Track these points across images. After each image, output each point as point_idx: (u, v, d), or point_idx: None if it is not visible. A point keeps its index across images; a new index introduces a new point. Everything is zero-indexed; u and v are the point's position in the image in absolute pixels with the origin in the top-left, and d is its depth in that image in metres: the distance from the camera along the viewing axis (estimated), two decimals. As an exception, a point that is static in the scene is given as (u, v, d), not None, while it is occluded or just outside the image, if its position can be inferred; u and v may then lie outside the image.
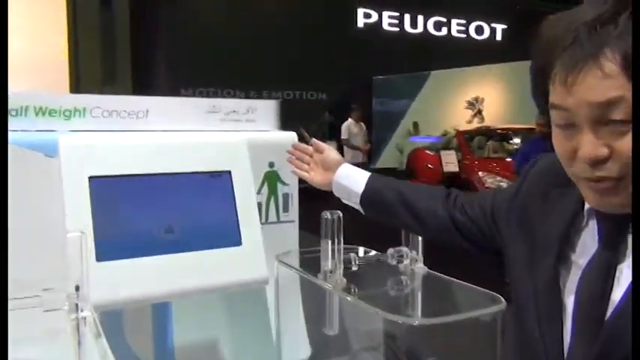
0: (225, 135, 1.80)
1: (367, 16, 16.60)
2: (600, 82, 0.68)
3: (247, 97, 15.13)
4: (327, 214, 1.34)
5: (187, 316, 1.84)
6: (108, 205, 1.50)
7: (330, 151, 1.41)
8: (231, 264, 1.61)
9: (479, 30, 17.99)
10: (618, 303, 0.73)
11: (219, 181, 1.68)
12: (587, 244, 0.80)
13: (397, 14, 16.84)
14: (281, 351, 1.75)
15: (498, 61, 13.51)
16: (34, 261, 1.38)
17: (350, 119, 8.69)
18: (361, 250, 1.49)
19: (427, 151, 8.74)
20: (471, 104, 14.65)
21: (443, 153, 7.54)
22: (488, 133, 8.92)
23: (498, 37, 18.32)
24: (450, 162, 7.13)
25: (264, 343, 1.82)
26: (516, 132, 9.22)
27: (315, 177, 1.40)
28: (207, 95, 14.35)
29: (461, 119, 13.49)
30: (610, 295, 0.75)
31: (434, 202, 1.12)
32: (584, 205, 0.81)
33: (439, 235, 1.13)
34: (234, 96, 15.04)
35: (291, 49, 14.58)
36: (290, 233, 1.98)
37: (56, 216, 1.48)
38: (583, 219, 0.81)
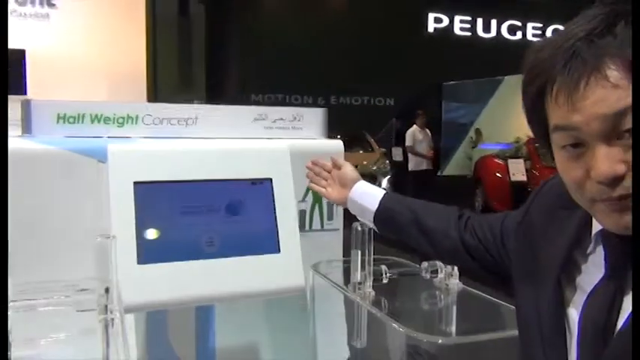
0: (267, 142, 1.83)
1: (438, 20, 16.35)
2: (609, 93, 0.65)
3: (315, 102, 15.29)
4: (357, 226, 1.33)
5: (230, 319, 1.88)
6: (151, 209, 1.56)
7: (347, 167, 1.41)
8: (269, 271, 1.63)
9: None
10: (620, 329, 0.69)
11: (260, 189, 1.70)
12: (593, 269, 0.75)
13: (469, 18, 16.49)
14: (317, 358, 1.74)
15: (576, 65, 12.94)
16: (81, 262, 1.45)
17: (415, 126, 8.58)
18: (395, 263, 1.47)
19: (495, 159, 8.45)
20: (546, 110, 14.11)
21: (510, 162, 7.26)
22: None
23: (577, 40, 17.53)
24: (518, 171, 6.86)
25: (303, 350, 1.82)
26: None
27: (332, 193, 1.42)
28: (277, 100, 14.63)
29: (535, 126, 13.04)
30: (615, 325, 0.70)
31: (446, 223, 1.09)
32: (591, 228, 0.76)
33: (450, 256, 1.11)
34: (301, 102, 15.25)
35: (360, 55, 14.59)
36: (334, 241, 1.98)
37: (105, 219, 1.56)
38: (590, 243, 0.77)
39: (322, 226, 1.98)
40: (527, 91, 0.74)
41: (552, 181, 0.89)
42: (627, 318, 0.69)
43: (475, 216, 1.09)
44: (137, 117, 1.82)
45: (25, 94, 11.31)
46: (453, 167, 14.57)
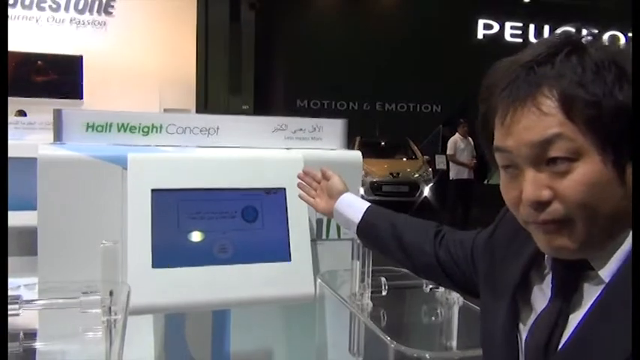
0: (283, 152, 1.87)
1: (488, 27, 16.08)
2: (538, 121, 0.67)
3: (360, 109, 15.30)
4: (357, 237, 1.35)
5: (246, 324, 1.93)
6: (167, 216, 1.63)
7: (335, 178, 1.41)
8: (279, 279, 1.67)
9: (613, 39, 16.73)
10: (559, 349, 0.69)
11: (274, 198, 1.75)
12: (547, 290, 0.75)
13: (521, 24, 16.14)
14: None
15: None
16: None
17: (457, 134, 8.48)
18: (398, 274, 1.48)
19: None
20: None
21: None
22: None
23: (636, 47, 16.90)
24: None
25: (311, 358, 1.85)
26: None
27: (320, 203, 1.42)
28: (322, 106, 14.72)
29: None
30: (557, 346, 0.70)
31: (423, 239, 1.09)
32: (545, 257, 0.77)
33: (425, 272, 1.11)
34: (347, 107, 15.29)
35: (408, 61, 14.51)
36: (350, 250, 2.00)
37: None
38: (546, 266, 0.77)
39: (339, 235, 2.00)
40: (480, 109, 0.76)
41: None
42: (567, 339, 0.70)
43: (451, 232, 1.10)
44: (161, 126, 1.90)
45: (82, 98, 11.85)
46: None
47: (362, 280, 1.37)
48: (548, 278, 0.76)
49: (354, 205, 1.29)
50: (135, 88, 11.58)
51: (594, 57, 0.68)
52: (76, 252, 1.70)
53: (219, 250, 1.65)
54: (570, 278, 0.72)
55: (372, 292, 1.39)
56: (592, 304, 0.69)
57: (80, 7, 12.12)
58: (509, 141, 0.70)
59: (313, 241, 1.93)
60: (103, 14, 12.39)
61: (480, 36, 16.01)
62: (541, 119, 0.67)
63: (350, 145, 9.22)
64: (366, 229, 1.24)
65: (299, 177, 1.51)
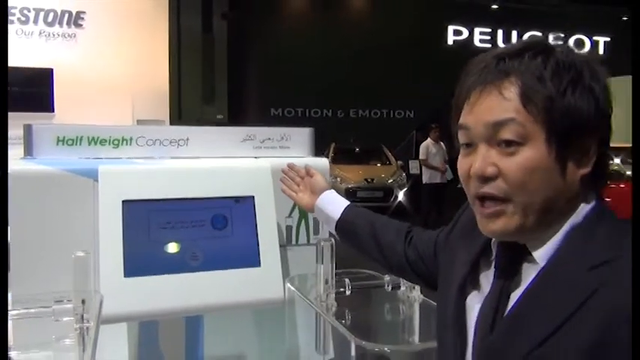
0: (251, 161, 1.93)
1: (458, 33, 16.38)
2: (498, 104, 0.76)
3: (335, 115, 15.41)
4: (321, 241, 1.41)
5: (218, 330, 1.97)
6: (138, 225, 1.67)
7: (318, 176, 1.47)
8: (249, 284, 1.72)
9: (579, 43, 17.16)
10: (503, 317, 0.78)
11: (243, 206, 1.81)
12: (491, 274, 0.84)
13: (489, 30, 16.48)
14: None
15: (599, 76, 12.79)
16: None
17: (429, 139, 8.64)
18: (361, 275, 1.55)
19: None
20: (569, 121, 13.90)
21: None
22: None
23: (601, 50, 17.37)
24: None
25: (286, 358, 1.91)
26: (616, 150, 8.69)
27: (303, 198, 1.47)
28: (296, 114, 14.79)
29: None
30: (502, 317, 0.78)
31: (396, 238, 1.16)
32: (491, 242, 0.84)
33: (398, 270, 1.18)
34: (321, 115, 15.40)
35: (380, 68, 14.68)
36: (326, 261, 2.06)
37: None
38: (493, 252, 0.85)
39: (308, 240, 2.07)
40: (456, 94, 0.84)
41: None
42: (509, 310, 0.78)
43: (420, 232, 1.17)
44: (131, 139, 1.94)
45: (53, 111, 11.71)
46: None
47: (326, 282, 1.44)
48: (494, 263, 0.84)
49: (334, 203, 1.35)
50: (107, 99, 11.47)
51: (558, 60, 0.76)
52: (49, 264, 1.73)
53: (190, 258, 1.69)
54: (511, 261, 0.81)
55: (336, 293, 1.45)
56: (529, 284, 0.77)
57: (49, 19, 11.98)
58: (470, 118, 0.79)
59: (283, 246, 1.99)
60: (73, 26, 12.27)
61: (450, 42, 16.30)
62: (501, 103, 0.76)
63: (324, 152, 9.30)
64: (344, 226, 1.30)
65: (283, 171, 1.56)
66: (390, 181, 10.32)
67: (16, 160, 1.82)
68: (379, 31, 15.05)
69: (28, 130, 1.88)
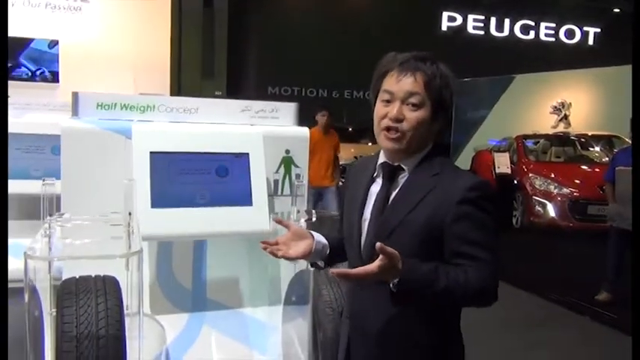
0: (248, 128, 2.49)
1: (452, 19, 16.82)
2: (412, 83, 1.33)
3: (330, 95, 15.92)
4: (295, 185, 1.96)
5: (218, 258, 2.55)
6: (162, 171, 2.23)
7: (294, 225, 1.55)
8: (244, 218, 2.29)
9: (569, 34, 17.63)
10: (387, 207, 1.35)
11: (240, 160, 2.36)
12: (378, 185, 1.40)
13: (483, 17, 16.92)
14: (280, 290, 2.40)
15: (589, 66, 13.24)
16: (113, 205, 2.12)
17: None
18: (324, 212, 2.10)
19: (488, 153, 9.03)
20: (557, 109, 14.40)
21: (496, 155, 7.78)
22: (551, 138, 9.04)
23: (590, 41, 17.85)
24: (502, 164, 7.39)
25: (272, 283, 2.48)
26: (597, 138, 9.23)
27: (296, 251, 1.49)
28: (292, 93, 15.27)
29: (546, 124, 13.38)
30: (384, 209, 1.36)
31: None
32: (377, 167, 1.41)
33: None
34: (316, 95, 15.91)
35: (375, 51, 15.09)
36: (299, 203, 2.62)
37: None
38: (377, 172, 1.42)
39: (291, 192, 2.63)
40: (380, 69, 1.37)
41: (357, 162, 1.56)
42: (391, 199, 1.35)
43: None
44: (154, 106, 2.49)
45: (58, 82, 12.16)
46: (460, 161, 15.06)
47: (298, 212, 1.99)
48: (379, 181, 1.39)
49: (321, 239, 1.52)
50: (110, 72, 11.83)
51: (441, 70, 1.33)
52: (92, 201, 2.28)
53: (199, 197, 2.26)
54: (390, 175, 1.38)
55: (306, 220, 2.01)
56: (401, 185, 1.36)
57: (55, -9, 12.36)
58: (395, 87, 1.33)
59: (271, 196, 2.55)
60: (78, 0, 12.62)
61: (444, 28, 16.75)
62: (414, 83, 1.32)
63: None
64: (334, 247, 1.54)
65: (263, 249, 1.48)
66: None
67: (67, 119, 2.37)
68: (376, 15, 15.48)
69: (75, 96, 2.42)
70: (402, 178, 1.37)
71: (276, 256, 1.46)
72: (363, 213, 1.41)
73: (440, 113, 1.34)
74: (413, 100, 1.31)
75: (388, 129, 1.34)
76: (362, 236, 1.40)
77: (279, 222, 1.53)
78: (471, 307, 1.32)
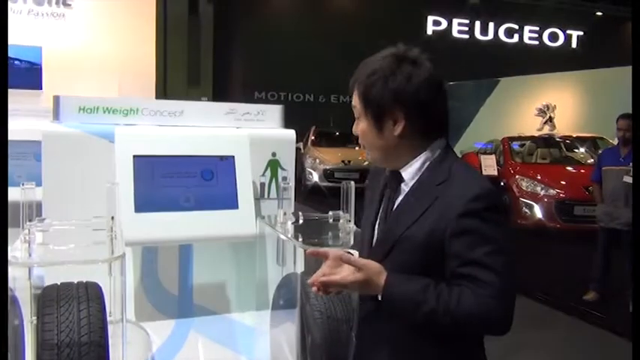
0: (233, 130, 2.46)
1: (437, 23, 16.91)
2: (354, 97, 1.27)
3: (317, 101, 15.91)
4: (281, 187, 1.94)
5: (204, 263, 2.51)
6: (146, 175, 2.19)
7: (331, 251, 1.31)
8: (229, 222, 2.26)
9: (553, 37, 17.78)
10: (391, 214, 1.29)
11: (226, 163, 2.33)
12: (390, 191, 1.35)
13: (467, 21, 17.03)
14: (268, 294, 2.37)
15: (573, 69, 13.37)
16: (95, 210, 2.08)
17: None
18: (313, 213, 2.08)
19: (474, 155, 9.06)
20: (542, 112, 14.51)
21: (483, 157, 7.80)
22: (537, 140, 9.10)
23: (574, 44, 18.02)
24: (489, 165, 7.40)
25: (259, 287, 2.45)
26: (582, 140, 9.32)
27: (345, 279, 1.21)
28: (279, 98, 15.25)
29: (531, 126, 13.48)
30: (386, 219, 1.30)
31: None
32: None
33: None
34: (303, 100, 15.90)
35: (361, 56, 15.12)
36: (286, 206, 2.59)
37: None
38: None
39: (277, 195, 2.60)
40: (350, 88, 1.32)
41: (372, 169, 1.49)
42: (394, 209, 1.28)
43: None
44: (138, 109, 2.45)
45: (41, 88, 12.04)
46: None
47: (285, 214, 1.96)
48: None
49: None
50: (94, 79, 11.74)
51: (373, 67, 1.24)
52: (74, 206, 2.24)
53: (184, 200, 2.22)
54: (395, 183, 1.30)
55: (292, 223, 1.98)
56: (404, 195, 1.27)
57: (38, -2, 12.25)
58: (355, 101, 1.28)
59: (257, 199, 2.52)
60: (62, 6, 12.51)
61: (429, 32, 16.82)
62: (355, 97, 1.27)
63: (306, 135, 9.65)
64: None
65: (316, 291, 1.23)
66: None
67: (48, 123, 2.33)
68: (361, 19, 15.51)
69: (56, 100, 2.37)
70: (405, 187, 1.28)
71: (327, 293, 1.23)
72: (377, 218, 1.35)
73: (382, 117, 1.22)
74: (355, 113, 1.27)
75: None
76: (373, 244, 1.34)
77: (316, 254, 1.26)
78: (477, 334, 1.22)
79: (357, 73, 1.28)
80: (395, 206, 1.29)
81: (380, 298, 1.16)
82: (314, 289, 1.18)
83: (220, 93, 14.66)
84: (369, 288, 1.16)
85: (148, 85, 13.25)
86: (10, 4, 12.11)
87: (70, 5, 12.43)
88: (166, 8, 14.27)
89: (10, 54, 11.39)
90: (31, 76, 11.81)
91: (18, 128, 4.44)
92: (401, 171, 1.29)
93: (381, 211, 1.34)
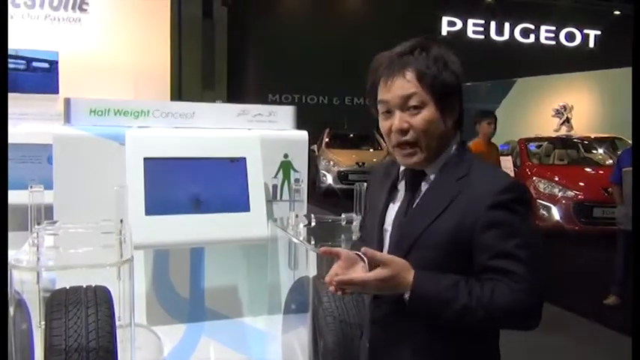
0: (244, 132, 2.42)
1: (451, 24, 16.78)
2: (404, 84, 1.19)
3: (330, 102, 15.88)
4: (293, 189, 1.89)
5: (216, 266, 2.48)
6: (156, 177, 2.17)
7: (343, 251, 1.24)
8: (241, 224, 2.22)
9: (570, 36, 17.56)
10: (409, 216, 1.22)
11: (237, 165, 2.30)
12: (401, 193, 1.28)
13: (482, 22, 16.88)
14: (280, 298, 2.33)
15: (590, 68, 13.17)
16: (106, 212, 2.06)
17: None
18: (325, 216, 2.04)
19: (491, 157, 8.93)
20: (559, 112, 14.33)
21: (502, 158, 7.69)
22: (554, 141, 8.95)
23: (591, 43, 17.78)
24: (507, 167, 7.28)
25: (272, 291, 2.41)
26: (600, 141, 9.15)
27: (360, 271, 1.15)
28: (293, 100, 15.24)
29: (548, 127, 13.31)
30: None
31: None
32: (399, 174, 1.30)
33: None
34: (317, 102, 15.87)
35: (374, 57, 15.06)
36: (298, 208, 2.56)
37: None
38: (400, 178, 1.29)
39: (290, 197, 2.56)
40: (369, 81, 1.25)
41: (381, 164, 1.43)
42: (415, 205, 1.21)
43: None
44: (149, 111, 2.43)
45: (57, 92, 12.16)
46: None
47: (297, 216, 1.92)
48: (401, 186, 1.28)
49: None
50: (110, 83, 11.83)
51: (433, 53, 1.19)
52: (85, 209, 2.22)
53: (195, 203, 2.19)
54: (414, 180, 1.24)
55: (304, 225, 1.94)
56: (425, 190, 1.22)
57: (55, 4, 12.35)
58: (388, 95, 1.18)
59: (269, 201, 2.48)
60: (78, 11, 12.60)
61: (444, 32, 16.70)
62: (405, 84, 1.16)
63: (320, 137, 9.61)
64: None
65: (333, 292, 1.16)
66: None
67: (59, 126, 2.31)
68: (375, 21, 15.44)
69: (67, 102, 2.36)
70: (425, 184, 1.23)
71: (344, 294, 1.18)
72: (383, 222, 1.30)
73: (447, 102, 1.17)
74: (411, 102, 1.17)
75: (400, 145, 1.20)
76: (384, 248, 1.27)
77: (328, 253, 1.21)
78: (507, 329, 1.17)
79: (402, 60, 1.19)
80: (414, 205, 1.23)
81: (407, 296, 1.10)
82: (331, 288, 1.12)
83: (234, 95, 14.68)
84: (394, 285, 1.10)
85: (163, 88, 13.29)
86: (27, 11, 12.27)
87: (86, 10, 12.56)
88: (181, 12, 14.33)
89: (28, 58, 11.51)
90: (48, 81, 11.92)
91: (30, 131, 4.49)
92: (426, 169, 1.24)
93: (393, 215, 1.29)
